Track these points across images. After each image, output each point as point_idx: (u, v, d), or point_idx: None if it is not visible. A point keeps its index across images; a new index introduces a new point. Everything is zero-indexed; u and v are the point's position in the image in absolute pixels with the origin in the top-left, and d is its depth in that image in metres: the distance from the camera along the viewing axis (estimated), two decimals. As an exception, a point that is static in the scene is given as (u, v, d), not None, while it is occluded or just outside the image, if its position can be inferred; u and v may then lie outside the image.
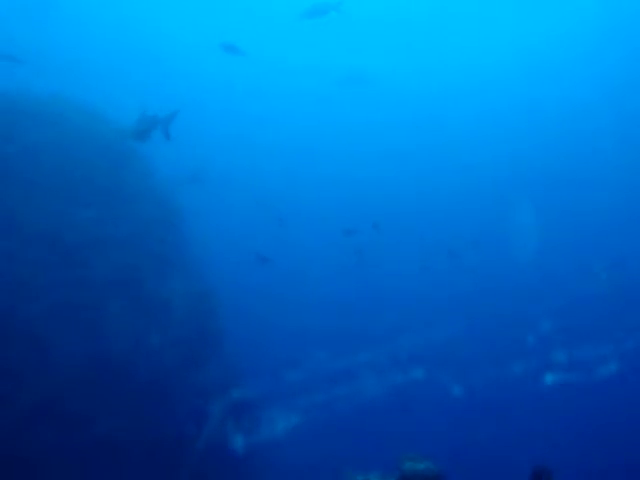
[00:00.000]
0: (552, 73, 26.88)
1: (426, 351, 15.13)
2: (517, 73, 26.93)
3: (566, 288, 17.70)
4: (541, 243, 20.61)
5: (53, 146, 9.39)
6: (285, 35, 25.36)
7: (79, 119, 10.27)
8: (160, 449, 7.68)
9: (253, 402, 9.41)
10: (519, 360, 14.97)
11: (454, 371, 14.99)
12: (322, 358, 13.61)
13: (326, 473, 9.47)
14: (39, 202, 8.58)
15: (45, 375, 7.33)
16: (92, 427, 7.32)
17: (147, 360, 8.30)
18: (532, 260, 19.90)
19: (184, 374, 8.67)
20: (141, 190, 10.42)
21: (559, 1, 25.67)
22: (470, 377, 14.88)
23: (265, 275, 16.01)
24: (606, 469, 13.51)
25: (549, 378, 14.80)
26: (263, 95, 25.99)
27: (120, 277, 8.76)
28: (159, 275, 9.49)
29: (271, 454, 9.83)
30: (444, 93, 27.00)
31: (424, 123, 25.96)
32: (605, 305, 16.93)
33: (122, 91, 16.63)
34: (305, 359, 13.26)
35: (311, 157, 24.19)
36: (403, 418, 14.61)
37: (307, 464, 11.09)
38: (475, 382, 14.77)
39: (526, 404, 15.20)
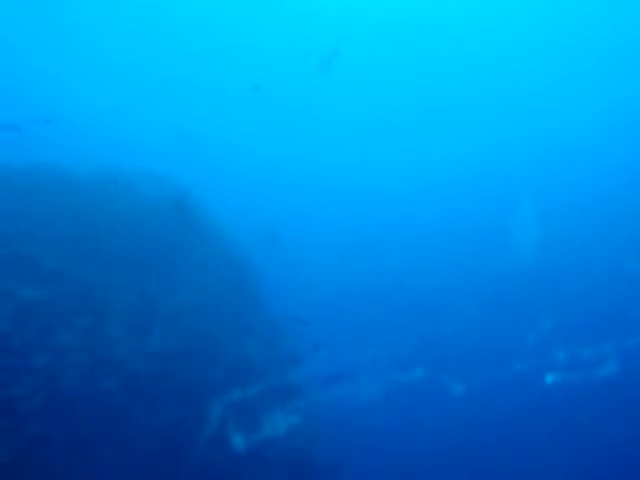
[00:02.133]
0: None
1: (427, 351, 15.15)
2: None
3: (566, 288, 17.69)
4: (542, 242, 20.61)
5: (119, 218, 9.49)
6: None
7: (144, 188, 10.32)
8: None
9: (254, 402, 9.43)
10: (519, 360, 14.98)
11: (454, 370, 15.00)
12: (322, 358, 13.63)
13: (325, 473, 9.49)
14: (108, 275, 8.66)
15: (127, 448, 7.45)
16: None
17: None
18: (533, 259, 19.90)
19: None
20: (212, 254, 10.36)
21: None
22: (470, 377, 14.89)
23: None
24: (606, 469, 13.52)
25: (549, 378, 14.80)
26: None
27: (194, 344, 8.85)
28: (235, 341, 9.53)
29: (271, 454, 9.84)
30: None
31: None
32: (605, 305, 16.93)
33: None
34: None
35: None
36: (402, 418, 14.61)
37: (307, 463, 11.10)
38: (475, 382, 14.78)
39: (526, 404, 15.20)
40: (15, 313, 7.64)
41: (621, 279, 17.76)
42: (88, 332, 7.97)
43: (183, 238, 10.04)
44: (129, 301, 8.56)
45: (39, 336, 7.62)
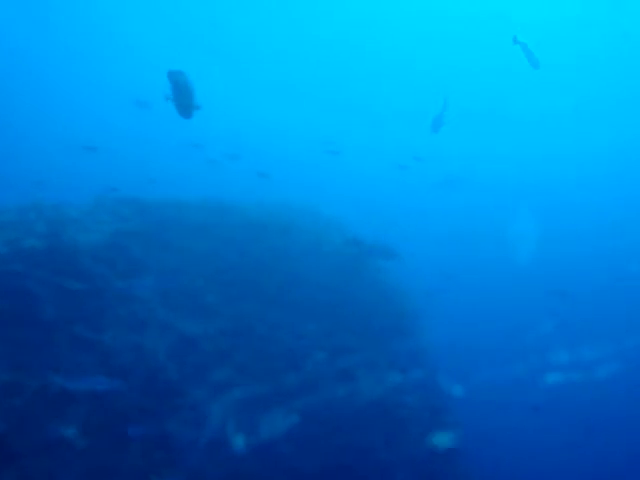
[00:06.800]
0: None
1: (427, 352, 15.14)
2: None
3: (567, 288, 17.72)
4: (542, 243, 20.62)
5: (282, 255, 9.46)
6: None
7: (310, 227, 10.25)
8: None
9: (254, 402, 9.44)
10: (519, 360, 14.98)
11: (454, 371, 15.00)
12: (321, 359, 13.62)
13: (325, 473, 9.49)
14: (267, 314, 8.71)
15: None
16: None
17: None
18: (533, 259, 19.90)
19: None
20: (373, 299, 10.21)
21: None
22: (470, 377, 14.90)
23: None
24: (606, 468, 13.52)
25: (550, 378, 14.80)
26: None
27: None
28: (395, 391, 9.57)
29: (271, 454, 9.84)
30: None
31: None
32: (605, 305, 16.93)
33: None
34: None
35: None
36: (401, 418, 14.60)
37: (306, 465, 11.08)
38: (475, 382, 14.79)
39: (526, 404, 15.21)
40: (173, 347, 7.71)
41: (622, 280, 17.76)
42: (244, 369, 8.07)
43: (345, 279, 9.87)
44: (284, 341, 8.63)
45: (196, 371, 7.71)
